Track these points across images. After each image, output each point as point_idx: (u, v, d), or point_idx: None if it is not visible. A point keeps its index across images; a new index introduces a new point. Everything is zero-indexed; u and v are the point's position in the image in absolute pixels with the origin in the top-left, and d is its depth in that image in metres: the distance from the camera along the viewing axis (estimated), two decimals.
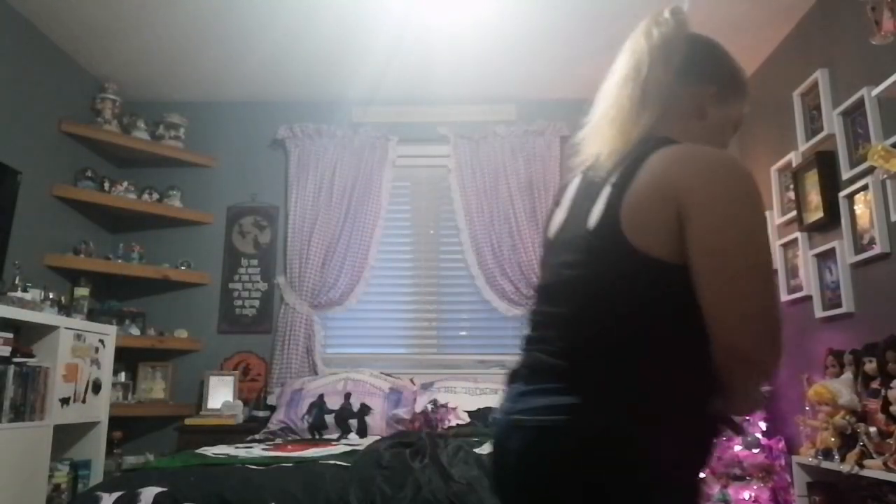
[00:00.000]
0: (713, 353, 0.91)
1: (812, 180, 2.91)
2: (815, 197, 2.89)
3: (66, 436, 2.95)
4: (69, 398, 2.87)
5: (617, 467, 0.89)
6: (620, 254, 0.93)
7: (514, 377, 1.07)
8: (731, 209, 0.91)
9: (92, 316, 3.45)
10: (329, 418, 3.25)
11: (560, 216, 1.12)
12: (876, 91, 2.40)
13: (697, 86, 1.11)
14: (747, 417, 2.92)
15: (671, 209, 0.92)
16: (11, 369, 2.56)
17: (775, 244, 3.25)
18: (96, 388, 3.08)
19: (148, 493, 1.81)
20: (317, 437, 3.20)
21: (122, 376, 3.62)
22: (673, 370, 0.92)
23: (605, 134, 1.07)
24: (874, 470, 2.10)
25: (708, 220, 0.90)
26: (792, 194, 3.10)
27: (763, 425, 3.06)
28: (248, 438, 3.17)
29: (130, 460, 3.37)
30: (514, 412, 0.99)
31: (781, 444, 3.01)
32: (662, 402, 0.91)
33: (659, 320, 0.93)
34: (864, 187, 2.55)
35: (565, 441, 0.90)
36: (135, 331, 3.67)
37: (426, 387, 3.49)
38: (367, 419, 3.26)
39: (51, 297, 3.08)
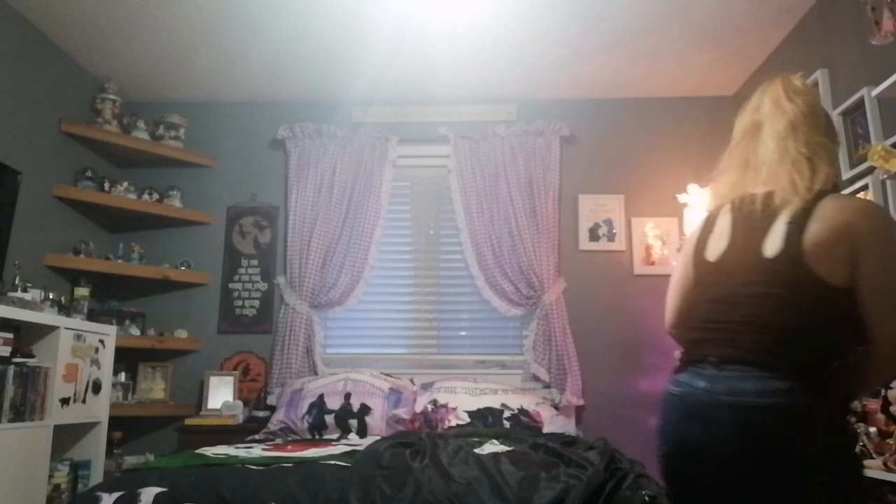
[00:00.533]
0: (872, 349, 1.26)
1: None
2: None
3: (66, 436, 2.95)
4: (69, 398, 2.87)
5: (827, 438, 1.22)
6: (803, 279, 1.25)
7: (693, 363, 1.36)
8: (893, 251, 1.26)
9: (92, 316, 3.45)
10: (329, 418, 3.25)
11: (720, 242, 1.42)
12: (876, 91, 2.40)
13: (835, 143, 1.46)
14: None
15: (847, 249, 1.24)
16: (11, 369, 2.56)
17: None
18: (96, 388, 3.08)
19: (148, 493, 1.81)
20: (317, 437, 3.20)
21: (122, 376, 3.62)
22: (841, 365, 1.25)
23: (778, 180, 1.35)
24: (874, 470, 2.10)
25: (878, 259, 1.25)
26: None
27: None
28: (248, 438, 3.17)
29: (130, 460, 3.37)
30: (721, 392, 1.26)
31: None
32: (839, 389, 1.25)
33: (831, 327, 1.26)
34: (865, 187, 2.54)
35: (782, 418, 1.21)
36: (135, 331, 3.67)
37: (426, 387, 3.49)
38: (367, 419, 3.25)
39: (51, 297, 3.08)
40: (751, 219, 1.37)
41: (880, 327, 1.25)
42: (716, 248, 1.42)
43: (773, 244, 1.30)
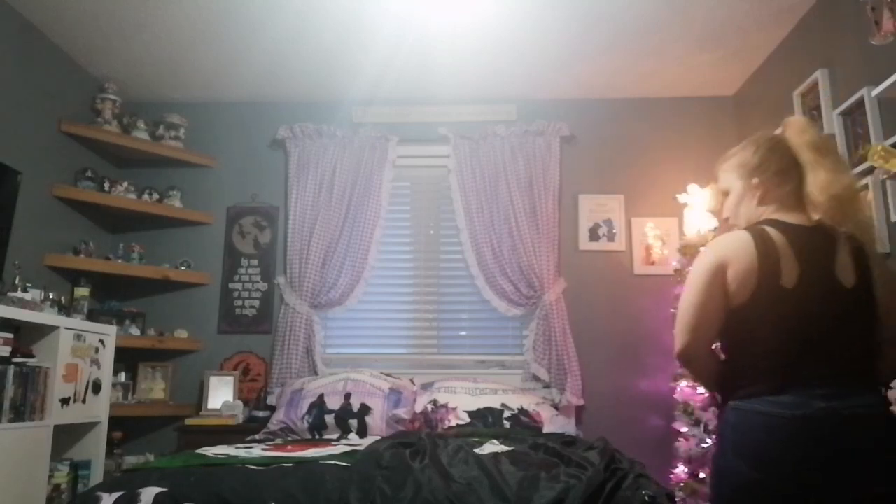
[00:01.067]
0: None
1: None
2: None
3: (66, 436, 2.95)
4: (69, 398, 2.87)
5: None
6: (871, 304, 1.45)
7: (794, 384, 1.41)
8: None
9: (92, 316, 3.45)
10: (329, 418, 3.25)
11: (791, 266, 1.45)
12: (876, 91, 2.40)
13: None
14: None
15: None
16: (11, 369, 2.56)
17: None
18: (96, 388, 3.08)
19: (148, 493, 1.81)
20: (317, 437, 3.20)
21: (122, 376, 3.62)
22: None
23: (827, 209, 1.49)
24: None
25: None
26: None
27: None
28: (248, 438, 3.17)
29: (130, 460, 3.37)
30: (846, 408, 1.36)
31: None
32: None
33: (875, 343, 1.47)
34: (864, 187, 2.54)
35: (885, 424, 1.39)
36: (135, 331, 3.67)
37: (426, 387, 3.49)
38: (367, 419, 3.25)
39: (51, 297, 3.08)
40: (812, 245, 1.47)
41: None
42: (789, 274, 1.44)
43: (846, 275, 1.46)
